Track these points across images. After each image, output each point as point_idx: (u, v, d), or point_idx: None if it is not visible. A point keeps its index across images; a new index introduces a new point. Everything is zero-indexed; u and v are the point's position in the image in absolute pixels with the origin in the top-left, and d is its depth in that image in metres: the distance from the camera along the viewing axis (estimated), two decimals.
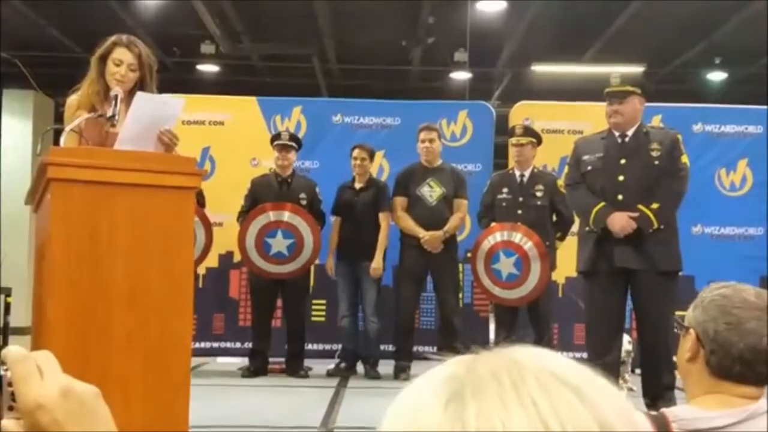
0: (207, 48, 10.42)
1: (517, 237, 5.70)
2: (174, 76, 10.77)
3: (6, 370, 0.62)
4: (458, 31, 9.49)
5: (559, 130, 6.63)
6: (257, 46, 10.77)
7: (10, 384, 0.62)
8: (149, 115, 3.31)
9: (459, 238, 6.15)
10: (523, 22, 9.54)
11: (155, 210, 3.15)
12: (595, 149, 4.52)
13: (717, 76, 11.91)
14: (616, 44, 10.12)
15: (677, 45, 10.53)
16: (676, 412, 1.57)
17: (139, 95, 3.31)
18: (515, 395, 0.50)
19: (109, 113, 3.44)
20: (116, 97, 3.46)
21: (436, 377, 0.54)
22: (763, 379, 1.57)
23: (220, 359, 6.95)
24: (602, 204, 4.35)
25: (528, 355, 0.54)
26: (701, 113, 6.92)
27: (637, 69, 9.53)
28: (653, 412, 1.58)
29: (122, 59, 3.48)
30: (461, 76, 11.07)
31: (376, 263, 5.91)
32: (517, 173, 5.90)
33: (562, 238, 5.85)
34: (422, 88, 11.74)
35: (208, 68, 11.36)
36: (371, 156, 6.15)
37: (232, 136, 6.68)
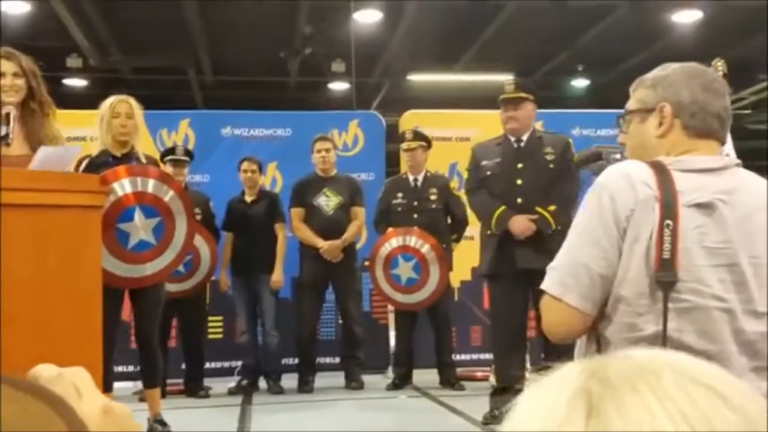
0: (73, 62, 9.99)
1: (412, 240, 5.79)
2: None
3: None
4: (336, 42, 9.56)
5: (447, 137, 6.78)
6: (127, 59, 10.42)
7: None
8: (49, 165, 3.24)
9: (356, 247, 6.15)
10: (397, 34, 9.72)
11: (58, 231, 3.03)
12: (492, 155, 4.66)
13: (580, 83, 12.55)
14: (486, 54, 10.47)
15: (543, 53, 11.03)
16: (670, 159, 1.67)
17: (42, 150, 3.25)
18: (658, 404, 0.48)
19: (2, 132, 3.29)
20: (8, 115, 3.33)
21: (562, 391, 0.50)
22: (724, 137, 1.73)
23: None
24: (503, 207, 4.49)
25: (657, 361, 0.51)
26: (578, 118, 7.31)
27: (506, 77, 9.88)
28: (649, 160, 1.67)
29: (4, 70, 3.40)
30: (339, 86, 11.13)
31: (276, 275, 5.84)
32: (411, 178, 5.99)
33: (457, 240, 5.98)
34: (300, 98, 11.70)
35: (76, 82, 10.87)
36: (260, 168, 6.08)
37: None
